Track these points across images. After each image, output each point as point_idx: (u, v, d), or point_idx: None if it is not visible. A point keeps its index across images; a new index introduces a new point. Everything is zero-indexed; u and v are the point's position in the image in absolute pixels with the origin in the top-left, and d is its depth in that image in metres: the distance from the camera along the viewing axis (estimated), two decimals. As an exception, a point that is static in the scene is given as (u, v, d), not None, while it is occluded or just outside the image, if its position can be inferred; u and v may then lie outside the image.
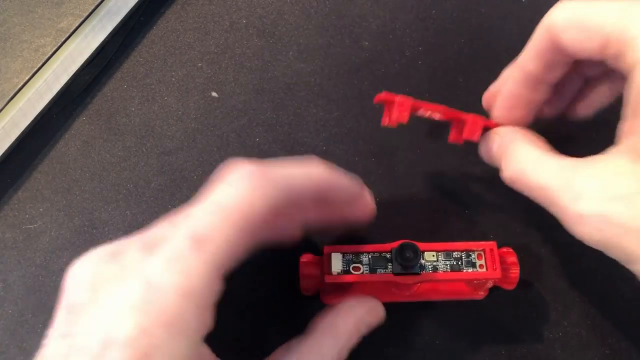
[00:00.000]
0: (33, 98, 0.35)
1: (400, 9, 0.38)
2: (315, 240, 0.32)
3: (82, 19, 0.36)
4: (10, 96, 0.34)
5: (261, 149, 0.35)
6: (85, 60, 0.37)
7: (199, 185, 0.34)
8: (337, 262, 0.28)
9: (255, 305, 0.31)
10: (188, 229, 0.21)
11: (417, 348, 0.30)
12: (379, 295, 0.29)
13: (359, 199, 0.28)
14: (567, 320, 0.30)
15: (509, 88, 0.28)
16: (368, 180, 0.34)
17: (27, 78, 0.34)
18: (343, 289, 0.30)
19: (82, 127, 0.36)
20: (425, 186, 0.34)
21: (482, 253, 0.29)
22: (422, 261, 0.28)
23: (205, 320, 0.22)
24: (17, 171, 0.35)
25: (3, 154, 0.34)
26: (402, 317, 0.30)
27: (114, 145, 0.35)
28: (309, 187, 0.24)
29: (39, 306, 0.31)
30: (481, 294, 0.30)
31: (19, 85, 0.34)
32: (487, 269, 0.28)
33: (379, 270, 0.28)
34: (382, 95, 0.27)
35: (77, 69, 0.36)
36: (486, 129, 0.29)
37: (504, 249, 0.30)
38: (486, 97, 0.30)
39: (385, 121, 0.28)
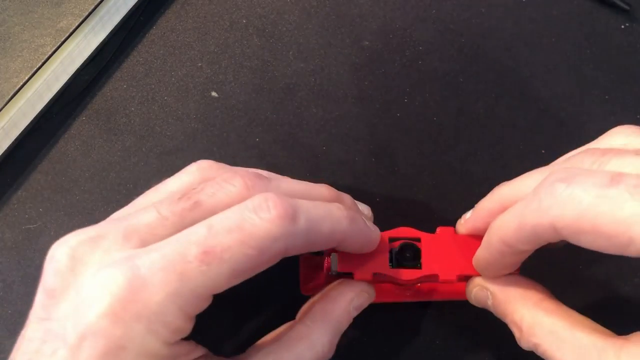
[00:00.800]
0: (33, 98, 0.35)
1: (400, 9, 0.38)
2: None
3: (82, 18, 0.35)
4: (9, 96, 0.34)
5: (261, 149, 0.35)
6: (85, 60, 0.37)
7: (199, 185, 0.34)
8: (337, 262, 0.28)
9: (255, 305, 0.31)
10: (200, 238, 0.21)
11: (417, 348, 0.30)
12: (379, 295, 0.29)
13: (370, 244, 0.26)
14: (567, 320, 0.30)
15: (490, 258, 0.25)
16: (368, 180, 0.34)
17: (26, 78, 0.34)
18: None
19: (82, 127, 0.36)
20: (425, 186, 0.34)
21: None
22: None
23: (184, 327, 0.21)
24: (17, 171, 0.35)
25: (3, 154, 0.34)
26: (402, 317, 0.30)
27: (114, 145, 0.35)
28: (327, 240, 0.23)
29: (39, 306, 0.31)
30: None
31: (19, 85, 0.34)
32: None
33: None
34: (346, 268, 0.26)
35: (76, 68, 0.36)
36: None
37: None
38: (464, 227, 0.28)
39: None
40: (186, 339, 0.22)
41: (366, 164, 0.34)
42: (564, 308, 0.24)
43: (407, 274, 0.27)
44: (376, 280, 0.27)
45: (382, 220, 0.31)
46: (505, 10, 0.38)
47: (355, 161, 0.35)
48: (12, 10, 0.36)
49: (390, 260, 0.27)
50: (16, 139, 0.35)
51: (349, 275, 0.27)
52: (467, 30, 0.38)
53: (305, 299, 0.30)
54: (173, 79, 0.37)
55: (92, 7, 0.36)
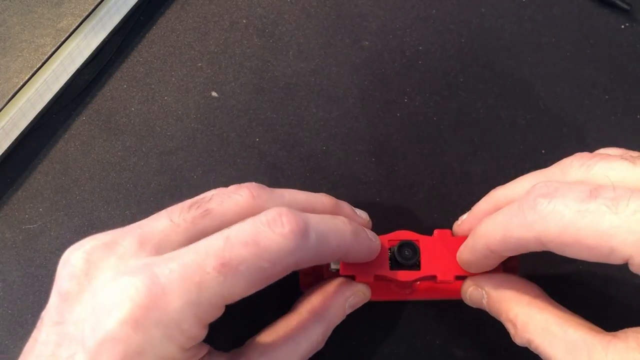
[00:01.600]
0: (33, 98, 0.35)
1: (400, 9, 0.38)
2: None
3: (82, 18, 0.35)
4: (10, 96, 0.34)
5: (261, 149, 0.35)
6: (85, 60, 0.37)
7: (199, 185, 0.34)
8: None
9: (255, 303, 0.31)
10: (218, 250, 0.21)
11: (417, 348, 0.30)
12: (379, 294, 0.30)
13: (371, 255, 0.27)
14: (567, 320, 0.30)
15: (474, 259, 0.26)
16: (368, 180, 0.34)
17: (26, 78, 0.34)
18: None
19: (82, 127, 0.36)
20: (425, 186, 0.34)
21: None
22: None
23: (199, 333, 0.22)
24: (17, 171, 0.35)
25: (3, 154, 0.34)
26: (402, 317, 0.30)
27: (114, 145, 0.35)
28: (333, 254, 0.25)
29: (39, 306, 0.31)
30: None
31: (19, 85, 0.34)
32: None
33: None
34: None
35: (76, 68, 0.36)
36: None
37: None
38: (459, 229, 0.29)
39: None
40: None
41: (366, 164, 0.34)
42: (556, 305, 0.25)
43: (406, 275, 0.27)
44: (376, 280, 0.28)
45: (382, 220, 0.31)
46: (505, 10, 0.38)
47: (355, 161, 0.35)
48: (12, 10, 0.36)
49: (390, 259, 0.28)
50: (16, 139, 0.35)
51: (350, 277, 0.28)
52: (467, 30, 0.38)
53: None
54: (173, 79, 0.37)
55: (92, 7, 0.36)
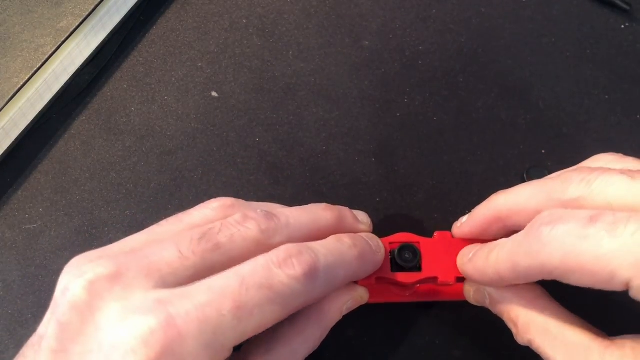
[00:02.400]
0: (33, 98, 0.35)
1: (400, 9, 0.38)
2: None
3: (82, 18, 0.35)
4: (10, 96, 0.34)
5: (261, 149, 0.35)
6: (85, 60, 0.37)
7: (199, 185, 0.34)
8: None
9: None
10: (234, 293, 0.21)
11: (417, 348, 0.30)
12: (379, 295, 0.29)
13: (375, 268, 0.28)
14: (567, 320, 0.30)
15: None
16: (368, 180, 0.34)
17: (27, 78, 0.34)
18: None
19: (82, 127, 0.36)
20: (425, 186, 0.34)
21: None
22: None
23: None
24: (17, 171, 0.35)
25: (3, 154, 0.34)
26: (402, 317, 0.30)
27: (114, 145, 0.35)
28: (340, 285, 0.25)
29: (39, 306, 0.31)
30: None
31: (19, 85, 0.34)
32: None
33: None
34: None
35: (77, 68, 0.36)
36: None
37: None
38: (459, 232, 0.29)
39: None
40: None
41: (366, 164, 0.34)
42: (558, 307, 0.25)
43: (407, 277, 0.27)
44: (377, 282, 0.28)
45: (382, 220, 0.31)
46: (505, 10, 0.38)
47: (355, 161, 0.35)
48: (12, 10, 0.36)
49: (391, 261, 0.28)
50: (16, 139, 0.35)
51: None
52: (467, 30, 0.38)
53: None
54: (173, 79, 0.37)
55: (92, 7, 0.36)
